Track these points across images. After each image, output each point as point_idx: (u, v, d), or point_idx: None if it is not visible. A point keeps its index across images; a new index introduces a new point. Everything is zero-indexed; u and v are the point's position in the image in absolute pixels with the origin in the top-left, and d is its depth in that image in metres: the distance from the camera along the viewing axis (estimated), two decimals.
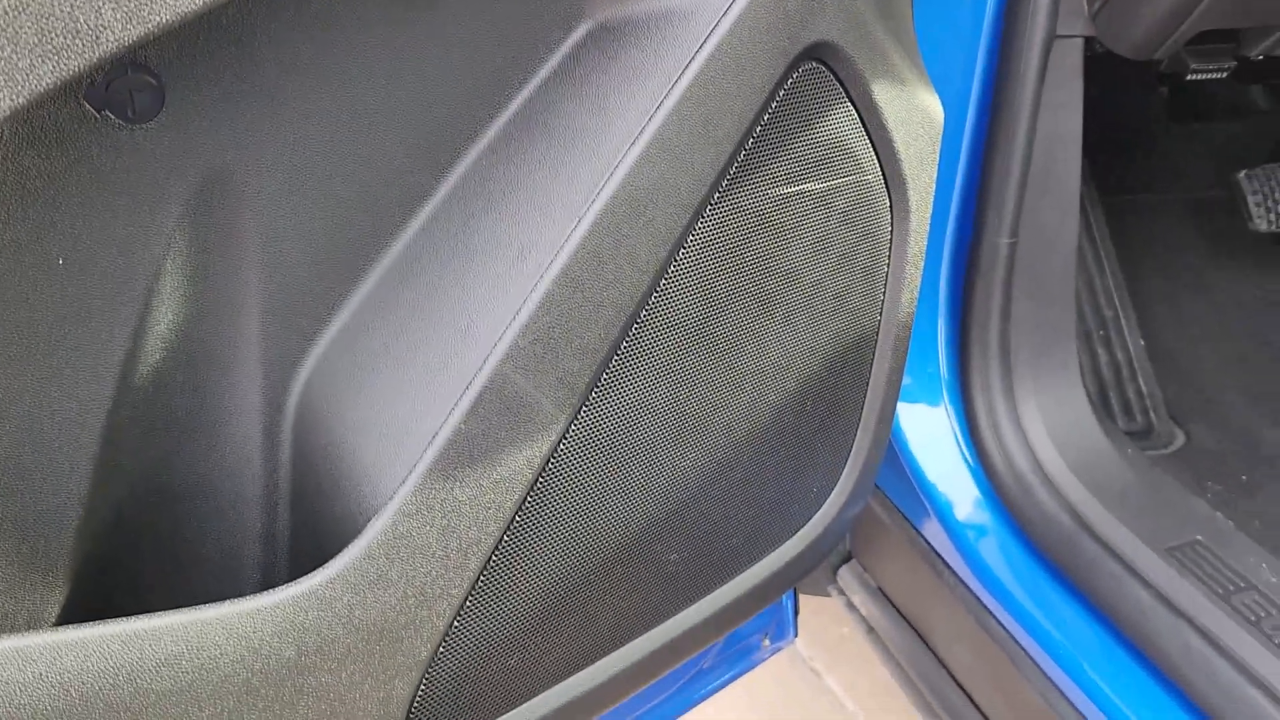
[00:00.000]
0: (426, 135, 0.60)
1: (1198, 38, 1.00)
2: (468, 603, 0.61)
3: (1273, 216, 1.43)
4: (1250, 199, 1.43)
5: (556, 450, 0.63)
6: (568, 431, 0.63)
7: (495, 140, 0.63)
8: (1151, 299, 1.45)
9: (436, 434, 0.58)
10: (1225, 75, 1.10)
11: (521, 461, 0.61)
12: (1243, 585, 0.94)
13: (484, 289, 0.60)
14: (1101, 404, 1.31)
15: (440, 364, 0.59)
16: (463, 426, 0.58)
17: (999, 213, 1.04)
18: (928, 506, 1.11)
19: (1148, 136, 1.54)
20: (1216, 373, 1.43)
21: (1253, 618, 0.91)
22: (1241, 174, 1.44)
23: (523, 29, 0.63)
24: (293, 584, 0.54)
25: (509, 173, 0.62)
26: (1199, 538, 1.00)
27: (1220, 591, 0.94)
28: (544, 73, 0.64)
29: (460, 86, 0.61)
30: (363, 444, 0.59)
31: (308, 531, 0.61)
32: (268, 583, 0.60)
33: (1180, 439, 1.33)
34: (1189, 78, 1.10)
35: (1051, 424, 1.08)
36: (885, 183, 0.76)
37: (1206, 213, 1.55)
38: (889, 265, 0.79)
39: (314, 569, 0.56)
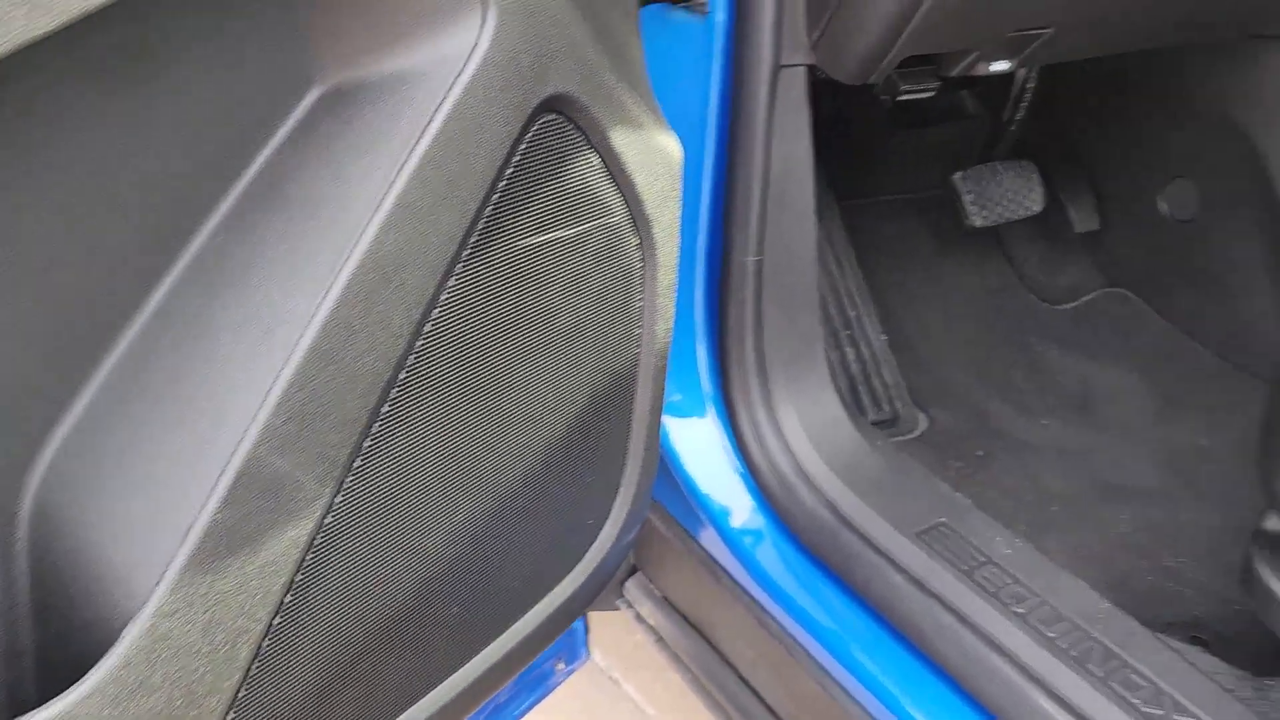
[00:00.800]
0: (153, 216, 0.58)
1: (904, 62, 1.09)
2: (241, 694, 0.59)
3: (985, 213, 1.58)
4: (965, 198, 1.57)
5: (322, 525, 0.61)
6: (333, 505, 0.62)
7: (230, 215, 0.61)
8: (889, 294, 1.57)
9: (192, 526, 0.55)
10: (933, 94, 1.21)
11: (286, 542, 0.59)
12: (983, 560, 1.04)
13: (232, 370, 0.58)
14: (852, 399, 1.40)
15: (191, 452, 0.57)
16: (219, 515, 0.56)
17: (744, 233, 1.10)
18: (703, 516, 1.16)
19: (876, 144, 1.66)
20: (949, 357, 1.57)
21: (992, 589, 1.01)
22: (957, 175, 1.58)
23: (249, 98, 0.61)
24: (42, 708, 0.51)
25: (248, 248, 0.60)
26: (944, 520, 1.09)
27: (964, 568, 1.03)
28: (277, 141, 0.62)
29: (186, 162, 0.59)
30: (112, 545, 0.56)
31: (59, 645, 0.57)
32: (15, 709, 0.56)
33: (923, 423, 1.45)
34: (899, 98, 1.21)
35: (809, 425, 1.15)
36: (633, 222, 0.79)
37: (931, 211, 1.69)
38: (643, 300, 0.82)
39: (69, 685, 0.53)
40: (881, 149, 1.68)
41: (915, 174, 1.70)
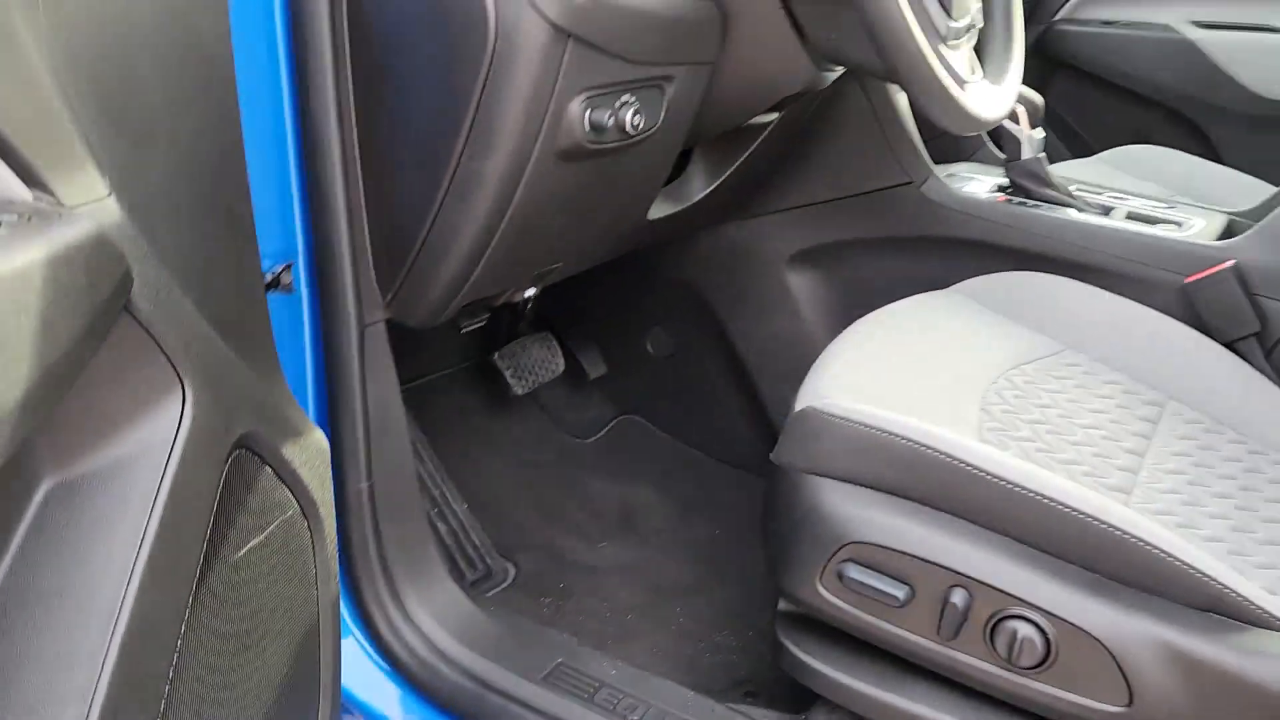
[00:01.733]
0: None
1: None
2: None
3: (523, 381, 1.90)
4: (505, 373, 1.87)
5: None
6: None
7: None
8: (459, 465, 1.81)
9: None
10: (484, 322, 1.49)
11: None
12: (598, 685, 1.32)
13: None
14: (455, 568, 1.62)
15: None
16: None
17: (355, 465, 1.28)
18: (359, 715, 1.30)
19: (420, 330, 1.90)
20: (518, 507, 1.85)
21: (610, 707, 1.28)
22: (495, 356, 1.88)
23: None
24: None
25: (9, 648, 0.69)
26: (560, 660, 1.35)
27: (586, 696, 1.30)
28: (18, 540, 0.71)
29: None
30: None
31: None
32: None
33: (512, 571, 1.70)
34: (462, 331, 1.47)
35: (436, 613, 1.35)
36: (302, 511, 0.95)
37: (477, 382, 1.97)
38: (316, 566, 0.99)
39: None
40: (424, 334, 1.92)
41: (456, 351, 1.97)
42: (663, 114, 1.25)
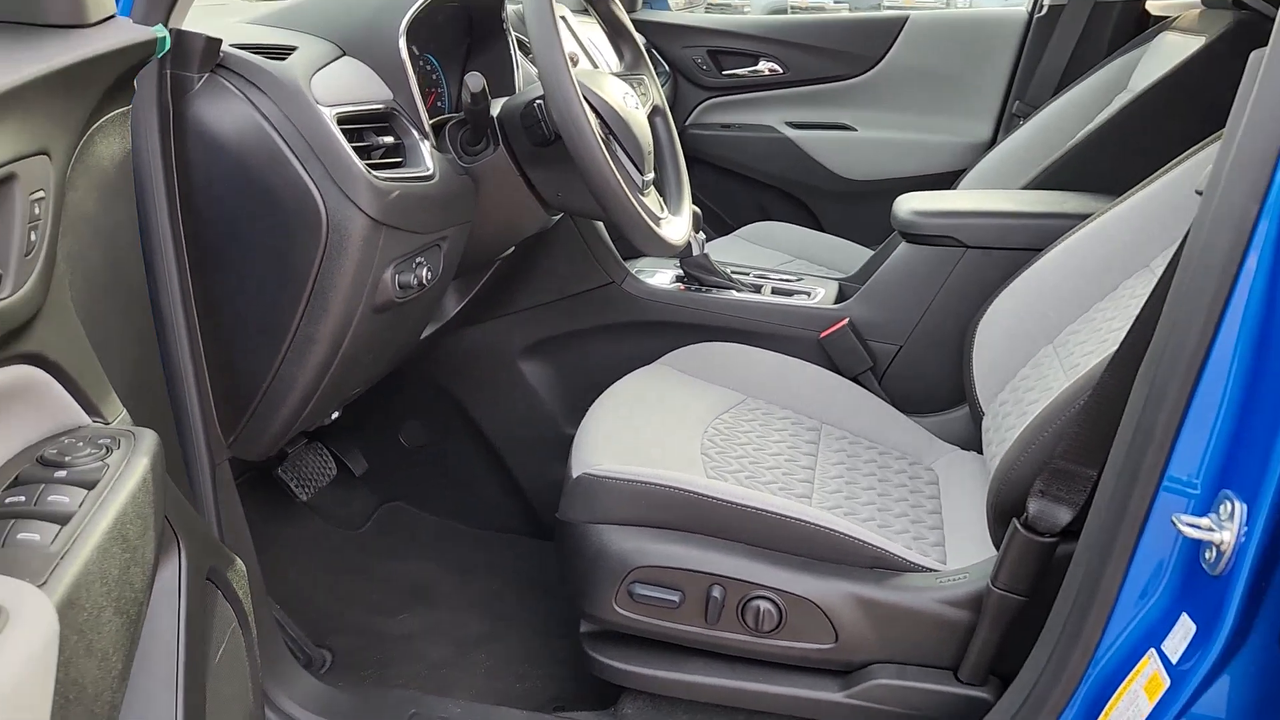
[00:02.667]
0: None
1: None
2: None
3: (306, 489, 2.14)
4: (290, 484, 2.11)
5: None
6: None
7: None
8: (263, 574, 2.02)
9: None
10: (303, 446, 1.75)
11: None
12: None
13: None
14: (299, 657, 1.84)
15: None
16: None
17: None
18: None
19: None
20: (321, 597, 2.08)
21: None
22: (278, 469, 2.10)
23: None
24: None
25: None
26: (414, 710, 1.64)
27: None
28: None
29: None
30: None
31: None
32: None
33: (329, 655, 1.95)
34: (287, 453, 1.72)
35: (293, 695, 1.58)
36: (239, 621, 1.21)
37: (256, 490, 2.17)
38: (250, 662, 1.24)
39: None
40: None
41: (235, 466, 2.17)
42: (441, 266, 1.60)
